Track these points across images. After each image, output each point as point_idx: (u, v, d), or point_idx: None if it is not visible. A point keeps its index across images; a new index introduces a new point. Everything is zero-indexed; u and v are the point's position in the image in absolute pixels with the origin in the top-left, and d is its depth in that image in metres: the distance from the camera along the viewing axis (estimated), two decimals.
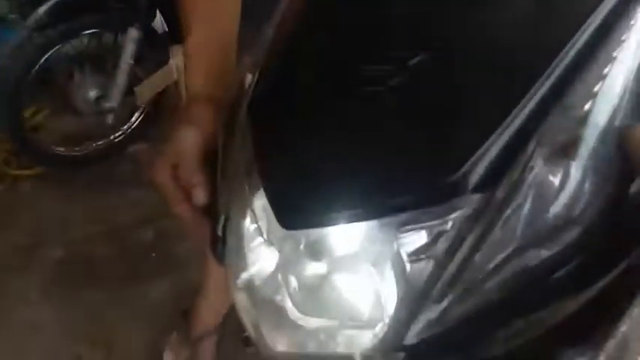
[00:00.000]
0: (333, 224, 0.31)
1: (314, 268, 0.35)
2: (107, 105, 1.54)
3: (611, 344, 0.31)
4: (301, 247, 0.35)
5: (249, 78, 0.45)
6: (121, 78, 1.50)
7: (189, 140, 0.46)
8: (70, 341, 1.26)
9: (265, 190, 0.35)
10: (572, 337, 0.29)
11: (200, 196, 0.45)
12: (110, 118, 1.59)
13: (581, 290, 0.30)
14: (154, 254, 1.49)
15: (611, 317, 0.31)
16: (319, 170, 0.34)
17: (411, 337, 0.30)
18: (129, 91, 1.56)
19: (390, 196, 0.30)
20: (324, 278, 0.35)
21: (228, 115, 0.46)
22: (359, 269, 0.33)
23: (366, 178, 0.31)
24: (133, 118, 1.73)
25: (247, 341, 1.21)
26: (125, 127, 1.73)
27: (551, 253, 0.29)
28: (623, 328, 0.32)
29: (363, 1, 0.39)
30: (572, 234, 0.30)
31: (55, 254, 1.49)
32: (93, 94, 1.55)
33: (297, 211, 0.33)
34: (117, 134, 1.72)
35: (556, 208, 0.30)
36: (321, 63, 0.38)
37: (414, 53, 0.32)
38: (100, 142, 1.71)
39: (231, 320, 1.22)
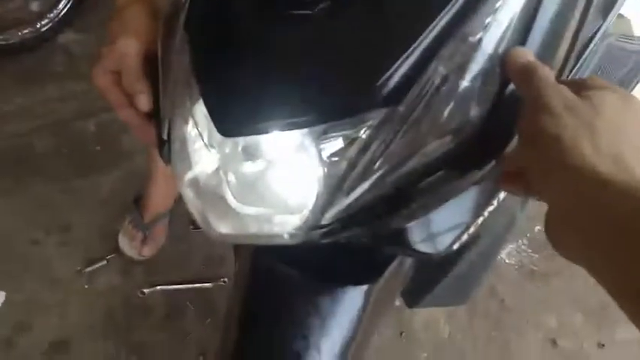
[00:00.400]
0: (265, 132, 0.37)
1: (250, 167, 0.42)
2: None
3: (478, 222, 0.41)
4: (239, 149, 0.41)
5: None
6: None
7: (129, 49, 0.48)
8: (24, 229, 1.31)
9: (204, 101, 0.40)
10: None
11: (144, 103, 0.47)
12: (35, 5, 1.46)
13: (459, 179, 0.38)
14: (98, 147, 1.50)
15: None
16: (253, 84, 0.38)
17: (326, 219, 0.38)
18: None
19: (312, 110, 0.36)
20: (258, 175, 0.42)
21: (165, 26, 0.47)
22: (287, 167, 0.40)
23: (292, 93, 0.37)
24: (60, 5, 1.60)
25: (195, 223, 1.32)
26: (52, 14, 1.61)
27: (438, 154, 0.37)
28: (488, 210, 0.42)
29: None
30: (458, 137, 0.37)
31: None
32: None
33: (233, 121, 0.39)
34: (43, 22, 1.61)
35: (447, 115, 0.37)
36: None
37: None
38: (25, 31, 1.59)
39: (180, 203, 1.31)
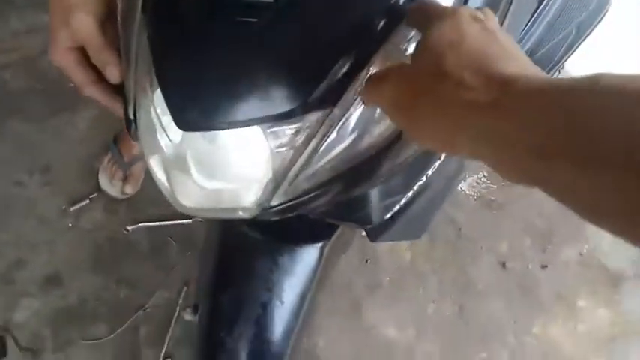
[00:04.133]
0: (219, 129, 0.42)
1: (207, 147, 0.47)
2: None
3: None
4: (199, 135, 0.46)
5: None
6: None
7: (85, 24, 0.48)
8: (7, 171, 1.35)
9: (164, 95, 0.44)
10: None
11: (114, 74, 0.49)
12: None
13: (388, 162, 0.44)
14: (72, 84, 1.49)
15: None
16: (208, 83, 0.43)
17: (275, 201, 0.45)
18: None
19: (260, 111, 0.41)
20: (214, 154, 0.47)
21: (122, 5, 0.49)
22: (240, 153, 0.46)
23: (243, 94, 0.41)
24: None
25: None
26: None
27: (370, 144, 0.43)
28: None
29: None
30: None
31: None
32: None
33: (190, 118, 0.43)
34: None
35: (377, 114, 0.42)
36: None
37: None
38: None
39: None
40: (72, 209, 1.31)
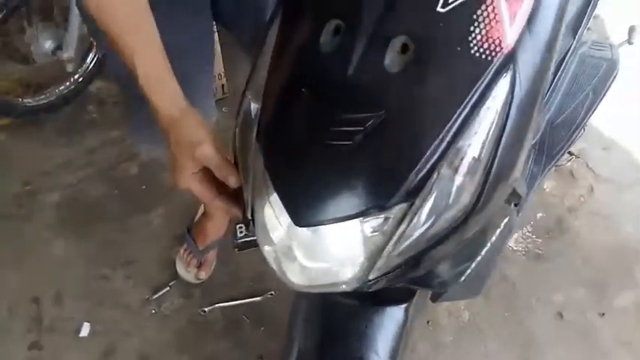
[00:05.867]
0: (327, 224, 0.56)
1: (312, 238, 0.60)
2: (65, 55, 1.59)
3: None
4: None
5: (253, 107, 0.63)
6: (73, 27, 1.55)
7: (210, 152, 0.63)
8: (94, 267, 1.52)
9: (283, 203, 0.58)
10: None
11: (234, 181, 0.62)
12: (70, 67, 1.65)
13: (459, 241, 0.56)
14: (144, 186, 1.70)
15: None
16: (316, 187, 0.56)
17: (372, 275, 0.57)
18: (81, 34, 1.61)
19: (359, 207, 0.54)
20: (319, 243, 0.60)
21: (240, 136, 0.65)
22: (340, 239, 0.58)
23: (344, 194, 0.55)
24: (89, 59, 1.80)
25: (240, 246, 1.52)
26: (82, 68, 1.80)
27: (444, 227, 0.55)
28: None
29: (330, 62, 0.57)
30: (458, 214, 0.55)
31: (52, 198, 1.67)
32: (49, 46, 1.60)
33: (303, 215, 0.57)
34: (76, 77, 1.80)
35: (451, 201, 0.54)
36: (305, 116, 0.57)
37: (370, 117, 0.53)
38: (62, 88, 1.79)
39: (227, 233, 1.51)
40: (154, 297, 1.46)
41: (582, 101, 1.28)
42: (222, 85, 1.90)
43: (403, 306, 0.66)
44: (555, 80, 1.18)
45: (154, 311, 1.44)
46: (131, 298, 1.46)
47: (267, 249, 0.65)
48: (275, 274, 0.65)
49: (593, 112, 1.29)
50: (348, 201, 0.55)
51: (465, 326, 1.40)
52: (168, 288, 1.47)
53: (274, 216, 0.63)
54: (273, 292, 1.44)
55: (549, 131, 1.25)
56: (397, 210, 0.54)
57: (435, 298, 0.94)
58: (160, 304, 1.45)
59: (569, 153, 1.77)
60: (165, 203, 1.65)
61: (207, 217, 1.46)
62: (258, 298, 1.44)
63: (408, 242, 0.55)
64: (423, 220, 0.54)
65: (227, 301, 1.44)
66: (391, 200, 0.53)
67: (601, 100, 1.30)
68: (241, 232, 1.70)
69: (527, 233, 1.58)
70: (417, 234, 0.55)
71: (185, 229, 1.53)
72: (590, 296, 1.45)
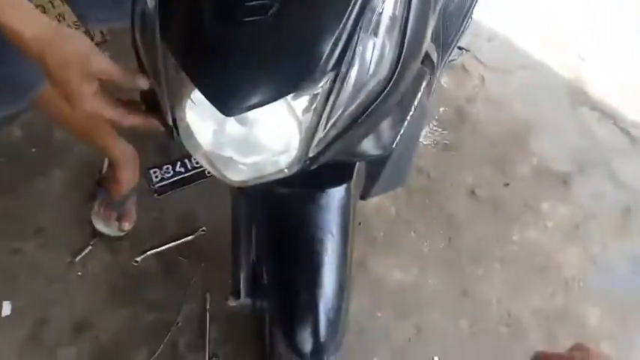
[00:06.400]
0: (255, 108, 0.54)
1: (243, 132, 0.59)
2: None
3: None
4: (233, 119, 0.57)
5: (149, 3, 0.57)
6: None
7: (106, 62, 0.57)
8: (3, 239, 1.37)
9: (202, 92, 0.55)
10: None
11: (143, 82, 0.58)
12: None
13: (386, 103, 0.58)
14: (33, 149, 1.53)
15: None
16: (235, 74, 0.54)
17: (311, 152, 0.57)
18: None
19: (284, 85, 0.53)
20: (251, 135, 0.59)
21: (142, 37, 0.59)
22: (271, 124, 0.58)
23: (266, 76, 0.53)
24: None
25: (159, 191, 1.46)
26: None
27: (371, 92, 0.56)
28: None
29: None
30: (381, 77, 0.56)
31: None
32: None
33: (229, 104, 0.54)
34: None
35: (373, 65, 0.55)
36: None
37: None
38: None
39: (142, 180, 1.43)
40: (77, 259, 1.36)
41: None
42: (101, 31, 1.72)
43: (344, 185, 0.68)
44: None
45: (80, 273, 1.35)
46: (50, 265, 1.36)
47: (198, 156, 0.62)
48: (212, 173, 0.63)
49: (477, 1, 1.36)
50: (275, 80, 0.53)
51: (393, 220, 1.49)
52: (90, 247, 1.38)
53: (198, 115, 0.60)
54: (204, 229, 1.42)
55: (442, 20, 1.30)
56: (325, 82, 0.54)
57: (365, 196, 0.98)
58: (86, 264, 1.36)
59: (459, 48, 1.87)
60: (62, 162, 1.51)
61: (117, 167, 1.36)
62: (189, 237, 1.41)
63: (339, 112, 0.56)
64: (350, 88, 0.55)
65: (158, 247, 1.39)
66: (317, 71, 0.53)
67: None
68: (156, 176, 1.63)
69: (434, 127, 1.69)
70: (346, 103, 0.56)
71: (95, 184, 1.42)
72: (495, 172, 1.61)
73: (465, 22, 1.36)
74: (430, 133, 1.67)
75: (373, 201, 1.47)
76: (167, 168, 1.50)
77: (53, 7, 1.50)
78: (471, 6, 1.37)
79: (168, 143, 1.40)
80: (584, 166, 1.65)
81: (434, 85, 1.08)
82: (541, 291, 1.43)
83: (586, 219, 1.55)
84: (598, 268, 1.48)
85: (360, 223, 1.46)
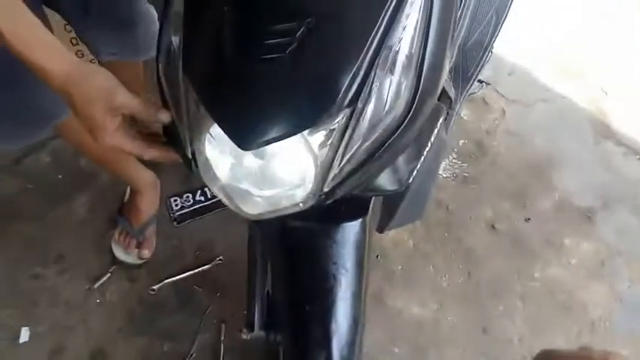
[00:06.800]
0: (272, 142, 0.55)
1: (260, 165, 0.60)
2: None
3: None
4: (251, 153, 0.58)
5: (174, 40, 0.59)
6: None
7: (127, 99, 0.59)
8: (22, 268, 1.40)
9: (220, 126, 0.56)
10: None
11: (165, 116, 0.59)
12: None
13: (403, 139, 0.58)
14: (60, 176, 1.57)
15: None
16: (254, 108, 0.55)
17: (326, 187, 0.57)
18: None
19: (301, 120, 0.54)
20: (268, 168, 0.60)
21: (165, 74, 0.61)
22: (288, 159, 0.58)
23: (284, 111, 0.54)
24: None
25: (178, 220, 1.48)
26: None
27: (388, 128, 0.56)
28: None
29: None
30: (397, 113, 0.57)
31: None
32: None
33: (247, 138, 0.55)
34: None
35: (389, 101, 0.56)
36: (233, 34, 0.55)
37: (300, 25, 0.52)
38: None
39: (162, 205, 1.45)
40: (95, 286, 1.38)
41: (488, 23, 1.36)
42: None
43: (359, 220, 0.68)
44: (462, 3, 1.24)
45: (98, 301, 1.37)
46: (70, 292, 1.37)
47: (215, 187, 0.63)
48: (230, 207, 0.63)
49: (498, 33, 1.38)
50: (292, 115, 0.54)
51: (411, 253, 1.47)
52: (109, 274, 1.39)
53: (217, 149, 0.61)
54: (221, 258, 1.42)
55: (462, 55, 1.31)
56: (341, 118, 0.55)
57: (382, 229, 0.97)
58: (104, 292, 1.38)
59: (480, 81, 1.88)
60: (87, 190, 1.54)
61: (138, 194, 1.39)
62: (207, 267, 1.41)
63: (355, 147, 0.56)
64: (366, 124, 0.55)
65: (175, 276, 1.39)
66: (334, 107, 0.54)
67: (504, 20, 1.39)
68: (177, 204, 1.65)
69: (454, 160, 1.68)
70: (362, 139, 0.56)
71: (116, 212, 1.45)
72: (515, 206, 1.58)
73: (485, 57, 1.37)
74: (449, 165, 1.66)
75: (391, 234, 1.46)
76: (187, 197, 1.52)
77: (72, 44, 1.55)
78: (490, 41, 1.39)
79: (188, 172, 1.42)
80: (608, 201, 1.62)
81: (453, 120, 1.08)
82: (565, 331, 1.38)
83: (611, 256, 1.50)
84: (625, 307, 1.42)
85: (377, 256, 1.44)
